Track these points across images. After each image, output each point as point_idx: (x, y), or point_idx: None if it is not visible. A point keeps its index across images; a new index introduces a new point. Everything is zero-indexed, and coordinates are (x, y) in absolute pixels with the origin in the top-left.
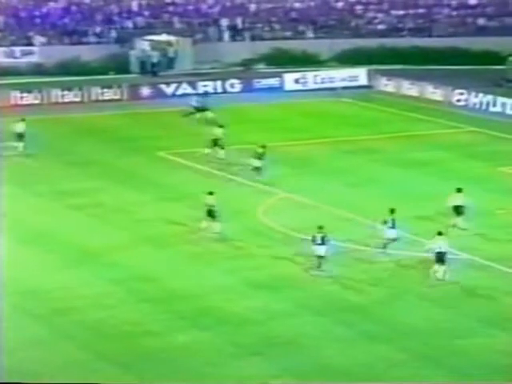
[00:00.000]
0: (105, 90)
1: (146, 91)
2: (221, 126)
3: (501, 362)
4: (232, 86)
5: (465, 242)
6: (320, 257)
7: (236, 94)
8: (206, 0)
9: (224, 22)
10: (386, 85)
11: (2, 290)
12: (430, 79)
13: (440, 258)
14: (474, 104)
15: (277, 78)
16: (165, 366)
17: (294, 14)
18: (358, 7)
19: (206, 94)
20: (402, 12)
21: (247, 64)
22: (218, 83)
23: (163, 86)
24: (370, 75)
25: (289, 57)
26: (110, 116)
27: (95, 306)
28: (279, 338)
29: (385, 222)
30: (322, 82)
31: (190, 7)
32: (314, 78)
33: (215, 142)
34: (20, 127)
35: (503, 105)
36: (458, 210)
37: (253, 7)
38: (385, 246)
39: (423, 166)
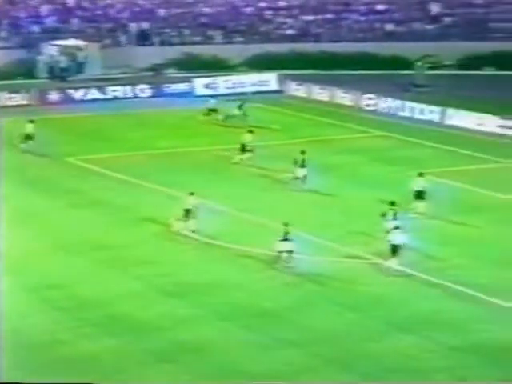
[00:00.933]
0: (12, 95)
1: (54, 96)
2: (250, 132)
3: (410, 365)
4: (142, 91)
5: (376, 246)
6: (287, 252)
7: (146, 99)
8: (115, 5)
9: (133, 27)
10: (297, 89)
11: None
12: (340, 84)
13: (395, 250)
14: (383, 109)
15: (187, 83)
16: (75, 374)
17: (203, 19)
18: (268, 12)
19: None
20: (311, 17)
21: (157, 69)
22: (128, 88)
23: (72, 91)
24: (280, 80)
25: (199, 62)
26: (17, 121)
27: (6, 315)
28: (189, 344)
29: (384, 215)
30: (233, 87)
31: (99, 12)
32: (224, 82)
33: (243, 147)
34: (29, 128)
35: (412, 109)
36: (419, 195)
37: (162, 12)
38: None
39: (334, 171)
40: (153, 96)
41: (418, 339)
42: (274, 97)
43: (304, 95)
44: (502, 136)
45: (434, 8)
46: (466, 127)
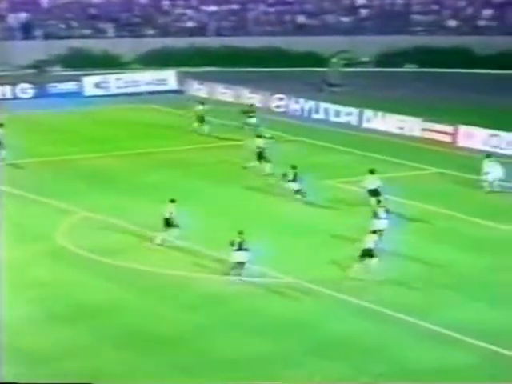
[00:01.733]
0: None
1: None
2: (259, 136)
3: None
4: (23, 91)
5: (288, 264)
6: (239, 263)
7: (28, 100)
8: None
9: (12, 19)
10: (199, 89)
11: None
12: (246, 83)
13: (370, 253)
14: (295, 110)
15: (75, 82)
16: None
17: (92, 10)
18: (165, 3)
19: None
20: (213, 8)
21: (40, 66)
22: (7, 88)
23: None
24: (179, 78)
25: (88, 58)
26: None
27: None
28: (76, 375)
29: (375, 214)
30: (126, 86)
31: None
32: (116, 81)
33: (260, 154)
34: None
35: (326, 111)
36: (375, 192)
37: (45, 2)
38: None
39: (244, 180)
40: (36, 97)
41: (335, 365)
42: (173, 97)
43: (207, 95)
44: (425, 140)
45: None
46: (385, 131)
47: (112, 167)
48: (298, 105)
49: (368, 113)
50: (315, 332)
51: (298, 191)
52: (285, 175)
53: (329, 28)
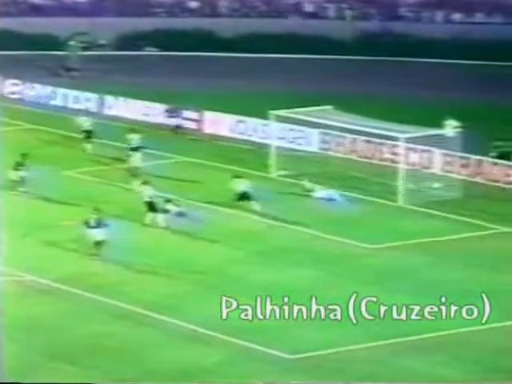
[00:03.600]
0: None
1: None
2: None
3: None
4: None
5: (29, 262)
6: (97, 242)
7: None
8: None
9: None
10: None
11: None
12: None
13: (152, 206)
14: (31, 97)
15: None
16: None
17: None
18: None
19: None
20: None
21: None
22: None
23: None
24: None
25: None
26: None
27: None
28: None
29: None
30: None
31: None
32: None
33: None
34: None
35: (65, 97)
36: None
37: None
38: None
39: None
40: None
41: (80, 369)
42: None
43: None
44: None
45: None
46: (129, 118)
47: None
48: (34, 91)
49: (109, 99)
50: (59, 334)
51: (20, 179)
52: (15, 165)
53: (65, 8)
